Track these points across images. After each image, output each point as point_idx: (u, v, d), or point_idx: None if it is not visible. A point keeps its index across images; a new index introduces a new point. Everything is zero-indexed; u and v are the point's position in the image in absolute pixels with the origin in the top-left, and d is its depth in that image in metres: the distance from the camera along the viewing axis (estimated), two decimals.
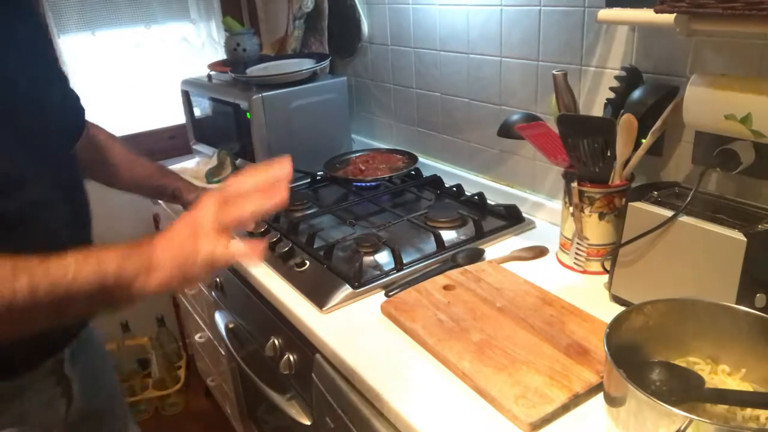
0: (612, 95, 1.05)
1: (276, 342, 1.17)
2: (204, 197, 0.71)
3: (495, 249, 1.19)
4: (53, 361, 0.91)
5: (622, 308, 0.76)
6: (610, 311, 0.84)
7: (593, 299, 0.99)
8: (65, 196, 0.86)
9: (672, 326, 0.75)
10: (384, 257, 1.16)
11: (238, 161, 1.71)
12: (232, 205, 0.69)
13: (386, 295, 1.05)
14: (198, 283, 0.65)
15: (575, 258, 1.08)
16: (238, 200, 0.69)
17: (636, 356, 0.73)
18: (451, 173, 1.53)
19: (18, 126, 0.76)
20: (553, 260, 1.14)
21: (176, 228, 0.70)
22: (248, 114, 1.58)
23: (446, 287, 1.03)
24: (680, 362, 0.74)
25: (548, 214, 1.29)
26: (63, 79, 0.95)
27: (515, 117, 1.13)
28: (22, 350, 0.86)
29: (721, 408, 0.67)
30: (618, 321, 0.71)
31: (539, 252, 1.17)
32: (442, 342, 0.89)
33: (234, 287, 1.36)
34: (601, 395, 0.73)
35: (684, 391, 0.67)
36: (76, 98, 1.02)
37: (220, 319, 1.49)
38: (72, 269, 0.64)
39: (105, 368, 1.09)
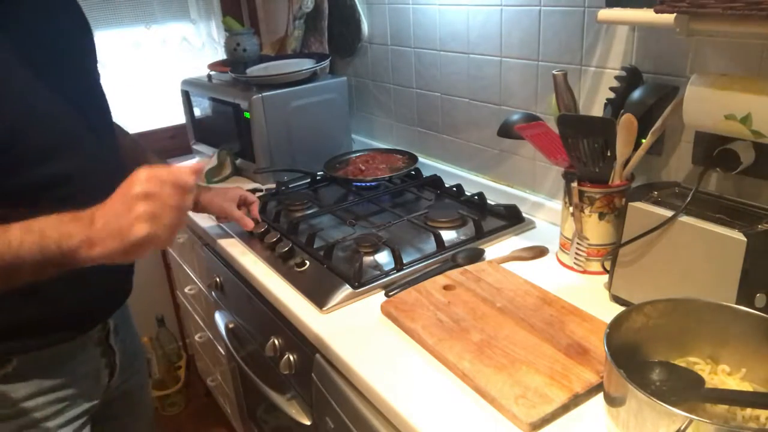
0: (612, 95, 1.05)
1: (276, 342, 1.17)
2: (137, 170, 0.72)
3: (495, 249, 1.19)
4: (101, 329, 0.99)
5: (622, 308, 0.76)
6: (610, 311, 0.84)
7: (593, 299, 0.99)
8: (94, 173, 0.88)
9: (672, 326, 0.75)
10: (384, 257, 1.16)
11: (238, 161, 1.71)
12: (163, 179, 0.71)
13: (386, 295, 1.05)
14: (145, 253, 0.68)
15: (575, 258, 1.08)
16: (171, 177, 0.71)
17: (636, 356, 0.73)
18: (451, 173, 1.53)
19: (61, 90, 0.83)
20: (553, 260, 1.14)
21: (111, 202, 0.71)
22: (248, 114, 1.58)
23: (446, 287, 1.03)
24: (680, 362, 0.74)
25: (548, 214, 1.29)
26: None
27: (515, 117, 1.14)
28: (74, 314, 0.92)
29: (721, 408, 0.67)
30: (618, 321, 0.71)
31: (539, 252, 1.17)
32: (442, 342, 0.89)
33: (234, 287, 1.36)
34: (601, 395, 0.73)
35: (684, 391, 0.67)
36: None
37: (220, 319, 1.49)
38: (16, 242, 0.68)
39: (140, 352, 1.15)
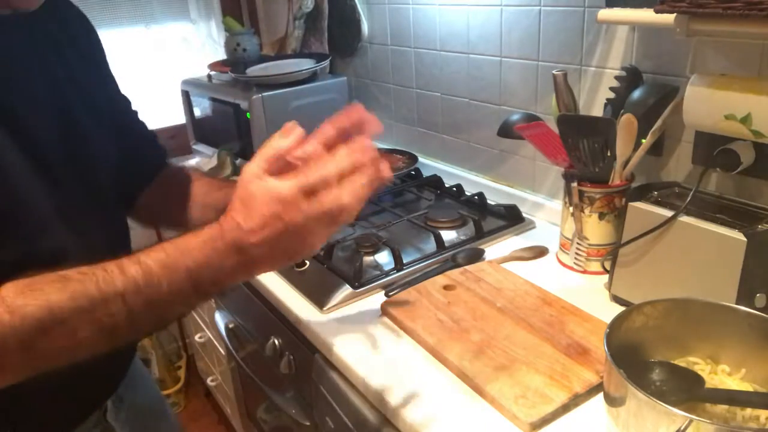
0: (612, 95, 1.05)
1: (276, 342, 1.17)
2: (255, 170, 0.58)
3: (495, 249, 1.19)
4: (97, 413, 0.84)
5: (622, 308, 0.76)
6: (610, 311, 0.84)
7: (593, 299, 0.98)
8: (100, 245, 0.75)
9: (672, 326, 0.75)
10: (384, 257, 1.16)
11: (238, 161, 1.71)
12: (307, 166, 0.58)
13: (386, 295, 1.05)
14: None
15: (575, 258, 1.08)
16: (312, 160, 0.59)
17: (636, 356, 0.73)
18: (451, 173, 1.53)
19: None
20: (553, 260, 1.14)
21: (269, 229, 0.55)
22: (248, 114, 1.58)
23: (446, 287, 1.03)
24: (680, 362, 0.74)
25: (548, 214, 1.29)
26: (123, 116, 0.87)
27: (515, 117, 1.13)
28: (65, 407, 0.79)
29: (721, 408, 0.67)
30: (618, 321, 0.71)
31: (539, 252, 1.17)
32: (442, 342, 0.89)
33: (234, 287, 1.36)
34: (601, 395, 0.73)
35: (684, 391, 0.67)
36: (150, 138, 0.92)
37: (220, 319, 1.49)
38: (164, 289, 0.56)
39: (157, 404, 1.01)
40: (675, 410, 0.57)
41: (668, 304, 0.75)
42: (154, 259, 0.57)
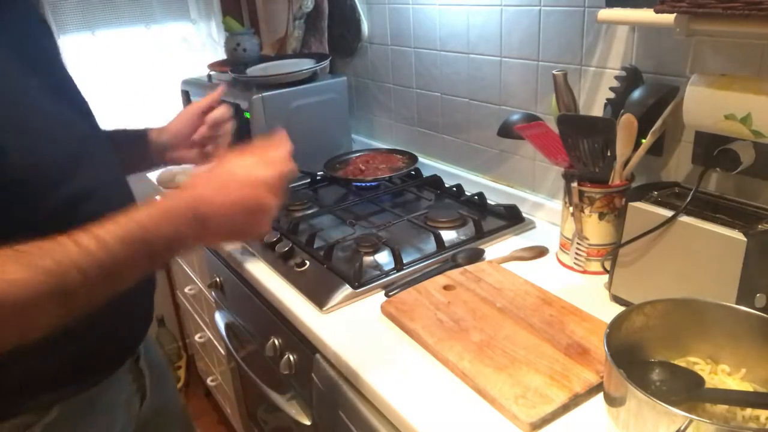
0: (612, 95, 1.05)
1: (276, 342, 1.17)
2: (223, 159, 0.71)
3: (495, 249, 1.19)
4: (130, 359, 0.91)
5: (622, 308, 0.76)
6: (610, 311, 0.84)
7: (593, 299, 0.98)
8: (114, 184, 0.83)
9: (672, 326, 0.75)
10: (384, 257, 1.16)
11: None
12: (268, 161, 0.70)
13: (386, 295, 1.05)
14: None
15: (575, 258, 1.08)
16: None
17: (636, 356, 0.73)
18: (451, 173, 1.53)
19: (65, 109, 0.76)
20: (553, 260, 1.14)
21: (223, 205, 0.66)
22: (248, 114, 1.58)
23: (446, 287, 1.03)
24: (680, 362, 0.74)
25: (548, 214, 1.29)
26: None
27: (515, 117, 1.13)
28: (109, 350, 0.86)
29: (721, 408, 0.67)
30: (618, 321, 0.71)
31: (539, 252, 1.17)
32: (442, 342, 0.89)
33: (234, 287, 1.36)
34: (601, 395, 0.73)
35: (684, 391, 0.67)
36: None
37: (220, 319, 1.49)
38: (115, 243, 0.60)
39: (165, 365, 1.09)
40: (675, 410, 0.57)
41: (668, 304, 0.75)
42: (108, 231, 0.60)
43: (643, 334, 0.74)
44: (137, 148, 1.05)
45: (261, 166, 0.69)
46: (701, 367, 0.74)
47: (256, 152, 0.72)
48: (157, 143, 1.06)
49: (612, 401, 0.67)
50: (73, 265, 0.57)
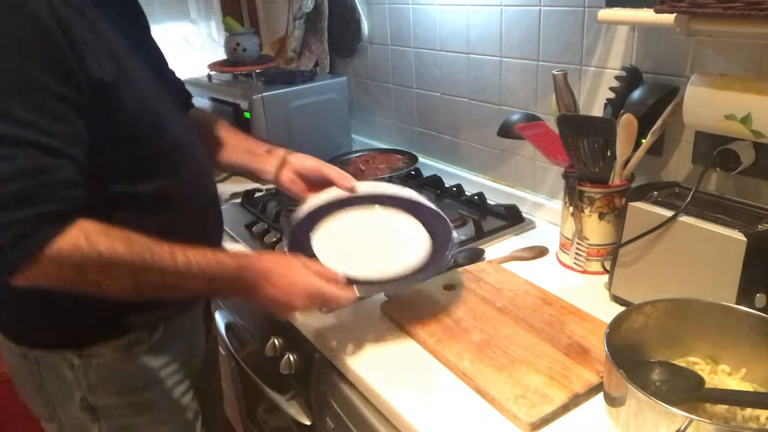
0: (612, 95, 1.05)
1: (276, 342, 1.17)
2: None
3: (495, 249, 1.19)
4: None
5: (622, 308, 0.76)
6: (610, 311, 0.84)
7: (593, 299, 0.98)
8: (193, 143, 0.93)
9: (672, 326, 0.75)
10: None
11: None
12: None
13: (386, 295, 1.05)
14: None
15: (575, 258, 1.08)
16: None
17: (636, 356, 0.73)
18: (451, 173, 1.53)
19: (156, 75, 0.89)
20: (553, 260, 1.14)
21: (285, 284, 0.83)
22: (248, 114, 1.58)
23: (446, 287, 1.03)
24: (680, 362, 0.74)
25: (548, 214, 1.29)
26: None
27: (515, 117, 1.13)
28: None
29: (721, 408, 0.67)
30: (618, 321, 0.71)
31: (539, 252, 1.17)
32: (442, 342, 0.89)
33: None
34: (601, 395, 0.73)
35: (684, 391, 0.67)
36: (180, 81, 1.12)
37: (220, 319, 1.49)
38: (185, 265, 0.76)
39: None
40: (675, 410, 0.57)
41: (668, 304, 0.75)
42: (195, 258, 0.76)
43: (643, 334, 0.74)
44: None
45: (316, 281, 0.84)
46: (701, 367, 0.74)
47: (323, 276, 0.85)
48: (262, 167, 1.10)
49: (612, 401, 0.67)
50: (158, 266, 0.74)
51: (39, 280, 0.68)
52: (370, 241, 0.96)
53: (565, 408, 0.76)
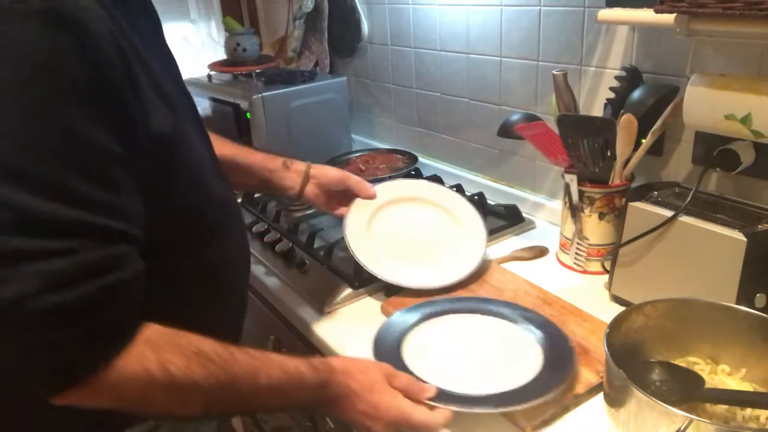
0: (612, 95, 1.05)
1: (276, 342, 1.17)
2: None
3: (495, 249, 1.19)
4: None
5: (622, 308, 0.76)
6: (610, 311, 0.84)
7: (593, 299, 0.98)
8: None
9: (672, 326, 0.75)
10: None
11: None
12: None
13: (386, 295, 1.05)
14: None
15: (575, 258, 1.08)
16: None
17: (636, 356, 0.73)
18: (451, 173, 1.52)
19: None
20: (553, 260, 1.14)
21: (366, 404, 0.72)
22: (248, 114, 1.58)
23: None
24: (680, 362, 0.74)
25: (548, 214, 1.29)
26: None
27: (515, 117, 1.13)
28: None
29: (721, 408, 0.67)
30: (618, 321, 0.71)
31: (539, 252, 1.17)
32: None
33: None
34: (601, 395, 0.73)
35: (684, 391, 0.67)
36: None
37: None
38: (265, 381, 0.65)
39: None
40: (675, 410, 0.57)
41: (668, 304, 0.75)
42: (281, 380, 0.66)
43: (643, 334, 0.74)
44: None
45: (405, 405, 0.72)
46: (701, 367, 0.74)
47: (412, 396, 0.74)
48: (284, 184, 1.07)
49: (612, 401, 0.67)
50: (235, 389, 0.63)
51: (93, 402, 0.56)
52: (470, 347, 0.87)
53: (565, 408, 0.76)
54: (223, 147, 0.99)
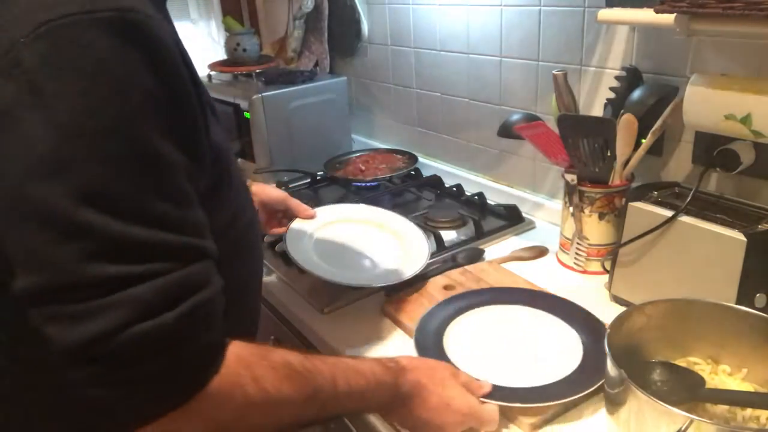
0: (612, 95, 1.05)
1: (276, 342, 1.17)
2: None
3: (495, 249, 1.19)
4: None
5: (623, 308, 0.76)
6: (610, 311, 0.84)
7: (593, 299, 0.98)
8: None
9: (673, 326, 0.75)
10: None
11: (239, 161, 1.70)
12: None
13: (386, 295, 1.05)
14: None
15: (575, 258, 1.08)
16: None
17: (637, 356, 0.73)
18: (451, 173, 1.52)
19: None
20: (553, 260, 1.14)
21: (441, 407, 0.70)
22: (247, 114, 1.58)
23: (446, 287, 1.03)
24: (681, 362, 0.74)
25: (548, 214, 1.29)
26: None
27: (515, 117, 1.13)
28: None
29: (722, 408, 0.67)
30: (619, 321, 0.71)
31: (539, 252, 1.17)
32: None
33: None
34: (601, 395, 0.73)
35: (684, 391, 0.67)
36: None
37: None
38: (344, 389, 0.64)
39: None
40: (676, 410, 0.57)
41: (669, 304, 0.75)
42: (358, 384, 0.65)
43: (643, 335, 0.74)
44: None
45: (472, 400, 0.72)
46: (702, 367, 0.74)
47: (473, 391, 0.73)
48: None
49: (613, 401, 0.67)
50: (321, 401, 0.61)
51: (184, 428, 0.52)
52: (511, 343, 0.87)
53: (565, 408, 0.76)
54: None
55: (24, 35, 0.45)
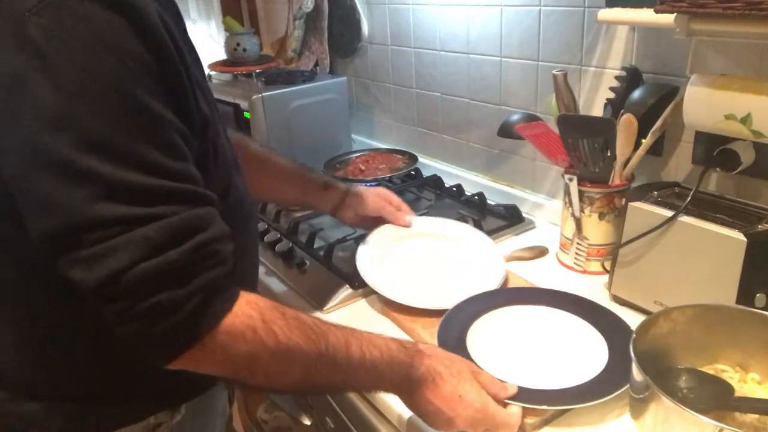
0: (612, 95, 1.05)
1: None
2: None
3: None
4: None
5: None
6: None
7: (593, 299, 0.98)
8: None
9: (699, 332, 0.74)
10: None
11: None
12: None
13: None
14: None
15: (575, 258, 1.08)
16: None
17: (662, 362, 0.72)
18: (451, 173, 1.53)
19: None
20: (553, 260, 1.14)
21: (455, 392, 0.69)
22: (248, 114, 1.58)
23: None
24: (708, 369, 0.73)
25: (548, 214, 1.29)
26: None
27: (515, 117, 1.14)
28: None
29: (752, 417, 0.66)
30: (644, 326, 0.70)
31: (539, 252, 1.17)
32: None
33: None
34: (625, 399, 0.72)
35: (713, 399, 0.66)
36: None
37: None
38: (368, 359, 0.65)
39: None
40: (705, 419, 0.56)
41: (696, 309, 0.74)
42: (372, 354, 0.66)
43: (669, 340, 0.73)
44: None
45: (489, 400, 0.70)
46: (730, 374, 0.73)
47: (493, 393, 0.72)
48: (318, 204, 1.13)
49: (638, 407, 0.66)
50: (332, 359, 0.63)
51: (206, 364, 0.58)
52: (535, 344, 0.86)
53: (588, 410, 0.75)
54: (257, 148, 1.06)
55: (28, 8, 0.51)
